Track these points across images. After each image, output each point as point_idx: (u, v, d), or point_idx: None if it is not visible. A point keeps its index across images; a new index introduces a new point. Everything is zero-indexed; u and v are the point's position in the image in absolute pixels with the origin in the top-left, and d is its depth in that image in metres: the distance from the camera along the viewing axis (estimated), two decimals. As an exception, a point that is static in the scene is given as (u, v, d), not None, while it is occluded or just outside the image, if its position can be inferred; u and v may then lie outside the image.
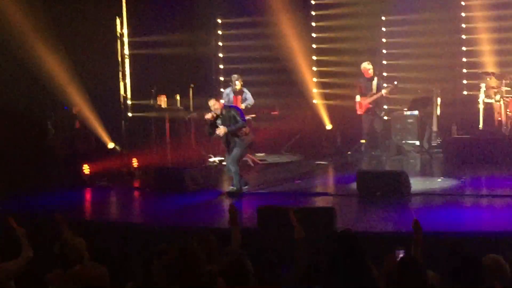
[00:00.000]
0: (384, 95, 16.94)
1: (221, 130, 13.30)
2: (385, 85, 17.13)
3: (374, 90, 17.06)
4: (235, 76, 17.15)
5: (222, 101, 17.64)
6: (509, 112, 16.37)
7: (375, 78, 17.23)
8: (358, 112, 17.33)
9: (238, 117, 13.40)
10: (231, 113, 13.47)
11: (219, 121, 13.40)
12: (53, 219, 8.18)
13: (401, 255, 6.91)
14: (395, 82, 17.13)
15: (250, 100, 17.03)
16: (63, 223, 7.90)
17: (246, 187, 13.60)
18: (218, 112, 13.38)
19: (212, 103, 13.51)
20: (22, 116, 15.23)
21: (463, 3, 19.50)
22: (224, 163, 16.48)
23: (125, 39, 17.97)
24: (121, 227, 11.37)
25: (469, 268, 5.93)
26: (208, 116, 13.50)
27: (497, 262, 6.28)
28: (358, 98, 17.19)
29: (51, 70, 15.40)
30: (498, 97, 16.59)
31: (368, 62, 17.38)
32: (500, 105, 16.57)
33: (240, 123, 13.37)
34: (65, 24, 16.18)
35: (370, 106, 17.07)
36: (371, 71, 17.19)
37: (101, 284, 5.76)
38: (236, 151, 13.37)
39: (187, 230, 9.94)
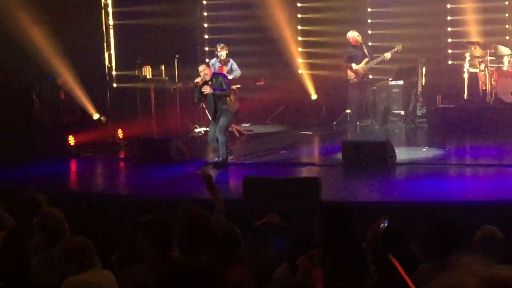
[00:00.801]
0: (386, 59, 16.86)
1: (207, 88, 13.36)
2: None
3: (367, 55, 17.00)
4: (220, 45, 17.15)
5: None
6: (494, 81, 16.40)
7: (363, 46, 17.20)
8: (354, 80, 17.15)
9: (224, 85, 13.46)
10: (219, 80, 13.60)
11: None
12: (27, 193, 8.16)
13: (385, 225, 6.94)
14: (400, 45, 16.97)
15: (237, 71, 17.06)
16: (38, 196, 7.83)
17: (231, 157, 13.64)
18: (207, 78, 13.41)
19: (201, 68, 13.58)
20: (6, 87, 15.16)
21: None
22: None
23: (110, 9, 17.91)
24: (107, 198, 11.37)
25: (447, 234, 5.95)
26: (198, 79, 13.53)
27: (493, 233, 6.35)
28: (355, 65, 17.05)
29: (35, 41, 15.30)
30: (482, 66, 16.60)
31: (353, 30, 17.35)
32: (485, 74, 16.60)
33: (227, 90, 13.42)
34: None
35: (368, 72, 17.06)
36: (359, 38, 17.15)
37: (87, 256, 5.75)
38: (223, 121, 13.40)
39: (173, 200, 9.98)
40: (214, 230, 6.39)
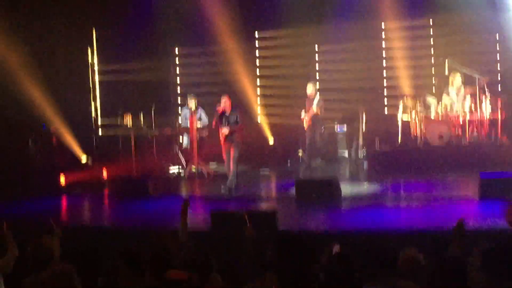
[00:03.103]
0: (314, 111, 16.96)
1: (225, 130, 13.97)
2: (316, 102, 17.17)
3: (314, 108, 17.07)
4: (190, 96, 17.18)
5: (180, 119, 17.68)
6: (423, 128, 16.52)
7: (316, 98, 17.17)
8: (304, 126, 17.27)
9: (239, 120, 13.94)
10: (235, 114, 14.11)
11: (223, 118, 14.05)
12: (27, 225, 8.00)
13: (336, 250, 6.92)
14: (321, 101, 17.10)
15: (204, 119, 17.07)
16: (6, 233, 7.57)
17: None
18: (227, 108, 13.93)
19: (224, 99, 14.16)
20: (6, 133, 15.06)
21: (383, 35, 19.73)
22: (182, 173, 16.55)
23: (95, 68, 17.94)
24: (93, 229, 11.25)
25: (388, 260, 5.93)
26: (219, 108, 14.04)
27: (414, 255, 6.30)
28: (302, 114, 17.18)
29: (31, 95, 15.27)
30: (413, 115, 16.74)
31: (311, 83, 17.47)
32: (415, 122, 16.73)
33: (238, 124, 14.03)
34: (44, 55, 16.13)
35: (310, 122, 17.12)
36: (310, 92, 17.23)
37: (70, 282, 5.65)
38: (236, 152, 13.87)
39: (151, 231, 9.88)
40: (179, 254, 6.37)
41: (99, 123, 18.10)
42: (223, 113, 14.07)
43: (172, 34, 19.83)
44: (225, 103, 14.08)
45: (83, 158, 16.80)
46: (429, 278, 5.43)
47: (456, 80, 16.67)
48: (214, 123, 14.44)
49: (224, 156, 14.42)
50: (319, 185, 12.88)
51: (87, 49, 17.93)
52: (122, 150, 16.85)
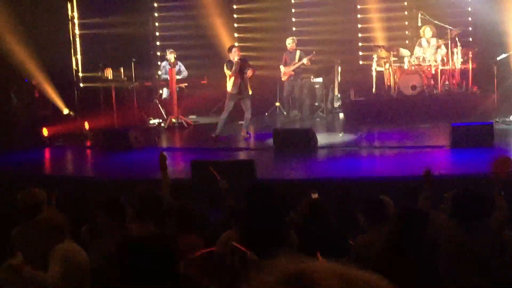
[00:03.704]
0: (306, 63, 16.95)
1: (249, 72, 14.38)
2: (297, 55, 17.15)
3: (297, 60, 17.08)
4: (169, 50, 17.21)
5: (159, 72, 17.60)
6: (397, 78, 16.57)
7: (298, 51, 17.21)
8: (282, 79, 17.32)
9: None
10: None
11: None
12: (13, 176, 8.01)
13: (316, 196, 6.98)
14: (314, 52, 17.11)
15: (184, 72, 17.17)
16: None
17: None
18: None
19: (235, 49, 14.43)
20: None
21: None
22: (162, 124, 16.52)
23: (76, 21, 17.78)
24: (77, 180, 11.26)
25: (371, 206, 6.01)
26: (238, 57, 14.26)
27: (386, 202, 6.38)
28: (282, 68, 17.20)
29: (13, 49, 15.13)
30: (387, 66, 16.79)
31: (291, 38, 17.43)
32: (389, 72, 16.78)
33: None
34: (24, 10, 15.96)
35: (293, 73, 17.10)
36: (291, 46, 17.21)
37: (61, 227, 5.68)
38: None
39: (131, 181, 9.90)
40: (162, 205, 6.42)
41: (80, 76, 17.97)
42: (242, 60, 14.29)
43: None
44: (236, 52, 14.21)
45: (65, 111, 16.70)
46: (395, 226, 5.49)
47: (428, 32, 16.71)
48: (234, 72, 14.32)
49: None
50: (296, 135, 12.94)
51: (67, 2, 17.72)
52: (103, 103, 16.76)
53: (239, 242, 5.19)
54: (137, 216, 6.36)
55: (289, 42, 17.24)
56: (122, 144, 13.80)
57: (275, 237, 5.11)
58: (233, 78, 14.09)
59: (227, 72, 14.12)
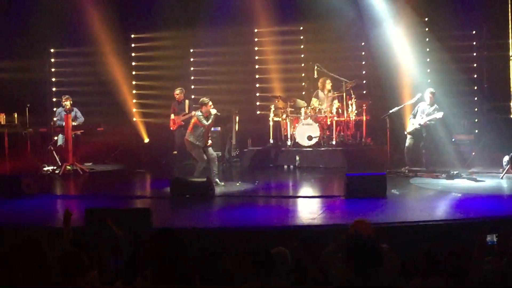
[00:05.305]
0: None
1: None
2: (187, 105, 17.21)
3: (186, 110, 17.14)
4: (65, 96, 16.99)
5: (55, 118, 17.25)
6: (293, 128, 16.81)
7: (186, 101, 17.33)
8: (172, 128, 17.43)
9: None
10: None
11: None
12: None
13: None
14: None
15: (80, 118, 16.94)
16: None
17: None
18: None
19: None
20: None
21: (256, 39, 19.97)
22: (57, 171, 16.13)
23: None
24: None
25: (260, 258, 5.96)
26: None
27: (282, 253, 6.38)
28: (172, 116, 17.30)
29: None
30: (284, 116, 17.03)
31: (179, 88, 17.51)
32: (286, 122, 17.02)
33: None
34: None
35: (182, 123, 17.08)
36: (179, 96, 17.29)
37: None
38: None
39: (22, 229, 9.58)
40: (45, 254, 6.18)
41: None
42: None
43: (48, 33, 19.35)
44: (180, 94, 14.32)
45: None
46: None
47: (324, 84, 17.11)
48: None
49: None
50: (193, 184, 12.86)
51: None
52: (-5, 149, 16.30)
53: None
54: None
55: (178, 92, 17.44)
56: (13, 191, 13.36)
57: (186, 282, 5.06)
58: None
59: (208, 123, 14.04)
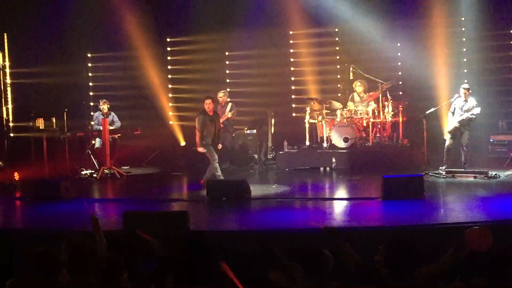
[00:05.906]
0: (230, 117, 17.05)
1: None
2: (229, 108, 17.22)
3: (227, 113, 17.14)
4: (102, 100, 17.14)
5: (92, 122, 17.40)
6: (329, 130, 16.76)
7: (229, 104, 17.26)
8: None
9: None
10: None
11: None
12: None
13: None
14: (236, 108, 17.22)
15: (117, 122, 17.11)
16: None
17: None
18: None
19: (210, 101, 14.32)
20: None
21: (291, 41, 19.96)
22: (94, 175, 16.26)
23: (7, 70, 17.55)
24: (5, 232, 10.92)
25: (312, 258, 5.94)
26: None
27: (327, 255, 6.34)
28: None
29: None
30: (320, 118, 16.98)
31: (223, 91, 17.48)
32: (322, 124, 16.98)
33: None
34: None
35: (222, 126, 17.11)
36: (223, 99, 17.25)
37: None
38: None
39: (61, 232, 9.66)
40: (96, 257, 6.24)
41: (11, 125, 17.66)
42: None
43: (85, 39, 19.53)
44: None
45: (-5, 161, 16.38)
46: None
47: (360, 85, 17.06)
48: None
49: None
50: (229, 187, 12.88)
51: (-2, 51, 17.53)
52: (34, 153, 16.47)
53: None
54: (67, 269, 6.15)
55: (221, 96, 17.31)
56: (52, 195, 13.50)
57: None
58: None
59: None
